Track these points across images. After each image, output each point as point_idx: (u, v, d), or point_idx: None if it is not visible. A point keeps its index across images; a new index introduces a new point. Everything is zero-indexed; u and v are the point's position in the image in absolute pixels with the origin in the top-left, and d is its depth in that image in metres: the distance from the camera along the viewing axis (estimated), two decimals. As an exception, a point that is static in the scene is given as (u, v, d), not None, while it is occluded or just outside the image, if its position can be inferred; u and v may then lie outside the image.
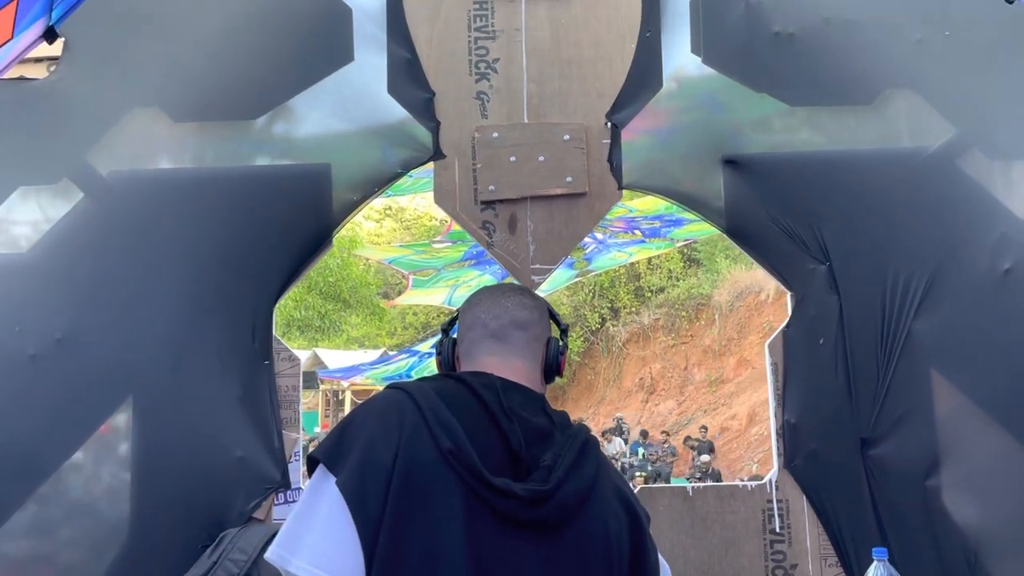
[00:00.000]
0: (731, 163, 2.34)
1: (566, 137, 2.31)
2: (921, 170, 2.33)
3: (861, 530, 2.22)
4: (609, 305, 25.20)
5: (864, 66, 2.36)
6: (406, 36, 2.34)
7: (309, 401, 24.22)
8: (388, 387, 1.32)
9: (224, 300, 2.24)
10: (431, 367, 20.22)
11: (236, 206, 2.28)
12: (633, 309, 24.96)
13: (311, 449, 1.29)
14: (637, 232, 11.36)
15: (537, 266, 2.29)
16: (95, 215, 2.26)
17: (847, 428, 2.26)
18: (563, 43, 2.36)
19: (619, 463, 13.89)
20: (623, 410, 22.81)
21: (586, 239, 13.28)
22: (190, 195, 2.27)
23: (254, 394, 2.21)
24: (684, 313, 23.20)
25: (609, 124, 2.34)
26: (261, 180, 2.32)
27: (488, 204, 2.31)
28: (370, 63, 2.36)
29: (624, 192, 2.37)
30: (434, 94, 2.33)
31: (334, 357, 22.49)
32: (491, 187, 2.30)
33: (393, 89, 2.33)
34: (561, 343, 1.53)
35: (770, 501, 2.27)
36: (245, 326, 2.23)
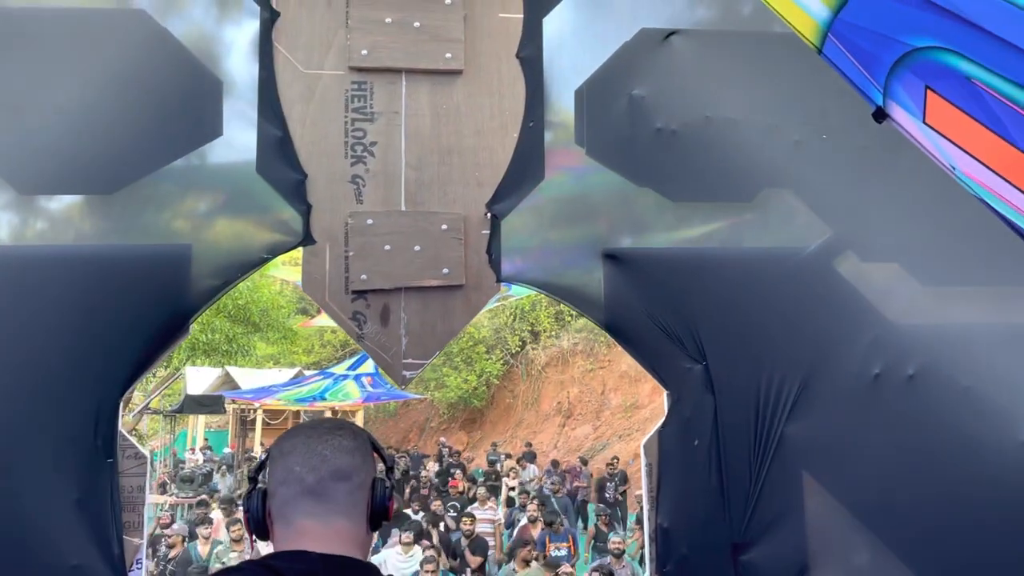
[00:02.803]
0: (611, 258, 2.31)
1: (444, 227, 2.23)
2: (797, 270, 2.34)
3: (731, 640, 2.19)
4: (530, 328, 25.27)
5: (744, 164, 2.35)
6: (278, 113, 2.23)
7: (219, 420, 23.51)
8: None
9: (64, 390, 2.07)
10: (345, 390, 19.92)
11: (82, 288, 2.12)
12: (553, 333, 25.09)
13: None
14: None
15: (409, 360, 2.20)
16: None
17: (719, 532, 2.23)
18: (444, 129, 2.29)
19: (534, 489, 13.86)
20: (540, 434, 22.84)
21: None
22: (31, 275, 2.10)
23: (93, 495, 2.05)
24: (602, 338, 23.38)
25: (489, 215, 2.27)
26: (112, 261, 2.16)
27: (359, 294, 2.21)
28: (239, 140, 2.24)
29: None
30: (306, 176, 2.23)
31: (246, 376, 21.89)
32: (363, 276, 2.20)
33: (262, 168, 2.22)
34: (388, 484, 1.41)
35: (640, 606, 2.22)
36: (87, 419, 2.07)
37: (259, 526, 1.36)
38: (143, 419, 19.02)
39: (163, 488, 16.09)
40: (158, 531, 9.18)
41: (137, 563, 2.09)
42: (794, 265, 2.34)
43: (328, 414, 23.78)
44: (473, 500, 11.33)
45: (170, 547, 8.53)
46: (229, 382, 21.90)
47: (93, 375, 2.10)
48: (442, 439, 23.18)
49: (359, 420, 25.02)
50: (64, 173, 2.18)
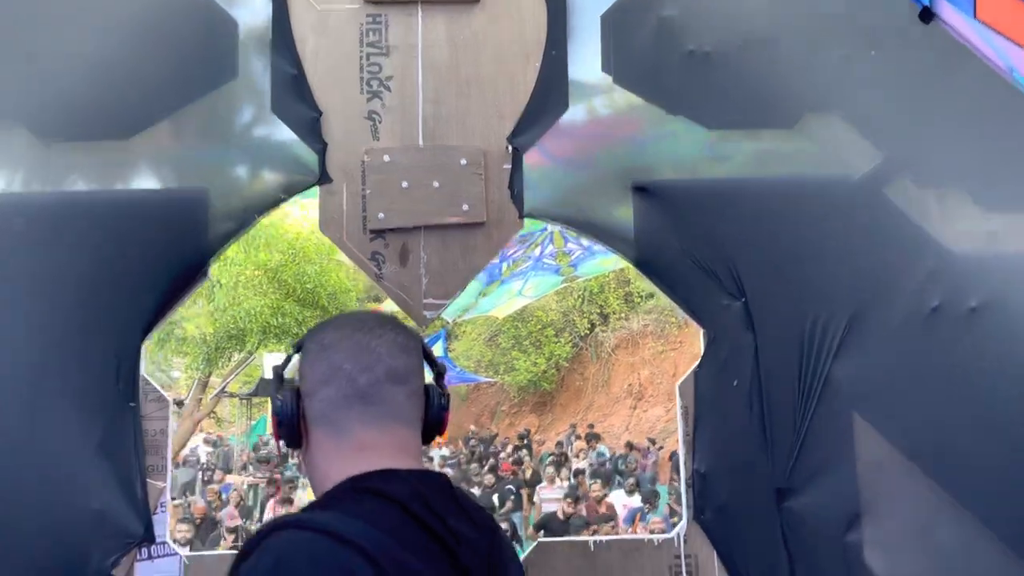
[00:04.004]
0: (641, 191, 2.18)
1: (463, 162, 2.14)
2: (845, 199, 2.17)
3: (774, 590, 2.06)
4: (599, 311, 25.04)
5: (785, 87, 2.19)
6: (292, 50, 2.17)
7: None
8: (325, 537, 0.96)
9: (85, 337, 2.06)
10: (416, 372, 20.13)
11: (101, 235, 2.10)
12: (623, 315, 24.81)
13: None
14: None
15: (430, 300, 2.12)
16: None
17: (761, 478, 2.09)
18: (462, 61, 2.19)
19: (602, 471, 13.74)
20: (611, 417, 22.63)
21: (571, 244, 13.16)
22: (48, 223, 2.09)
23: (116, 440, 2.04)
24: (673, 319, 23.02)
25: (510, 148, 2.17)
26: (129, 206, 2.15)
27: (377, 233, 2.14)
28: (255, 80, 2.19)
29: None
30: (321, 113, 2.16)
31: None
32: (380, 215, 2.13)
33: (277, 107, 2.16)
34: (443, 394, 1.23)
35: (678, 557, 2.10)
36: (108, 365, 2.06)
37: (292, 432, 1.16)
38: (222, 403, 19.53)
39: (244, 469, 16.55)
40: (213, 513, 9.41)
41: (161, 507, 2.07)
42: (842, 194, 2.17)
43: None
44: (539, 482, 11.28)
45: (230, 531, 8.72)
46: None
47: (113, 320, 2.08)
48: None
49: (431, 404, 25.27)
50: (80, 119, 2.17)
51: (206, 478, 14.38)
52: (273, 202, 2.16)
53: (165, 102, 2.18)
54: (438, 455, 17.03)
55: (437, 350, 19.46)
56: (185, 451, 17.69)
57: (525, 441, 18.83)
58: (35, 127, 2.14)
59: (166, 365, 17.45)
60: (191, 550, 7.04)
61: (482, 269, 2.14)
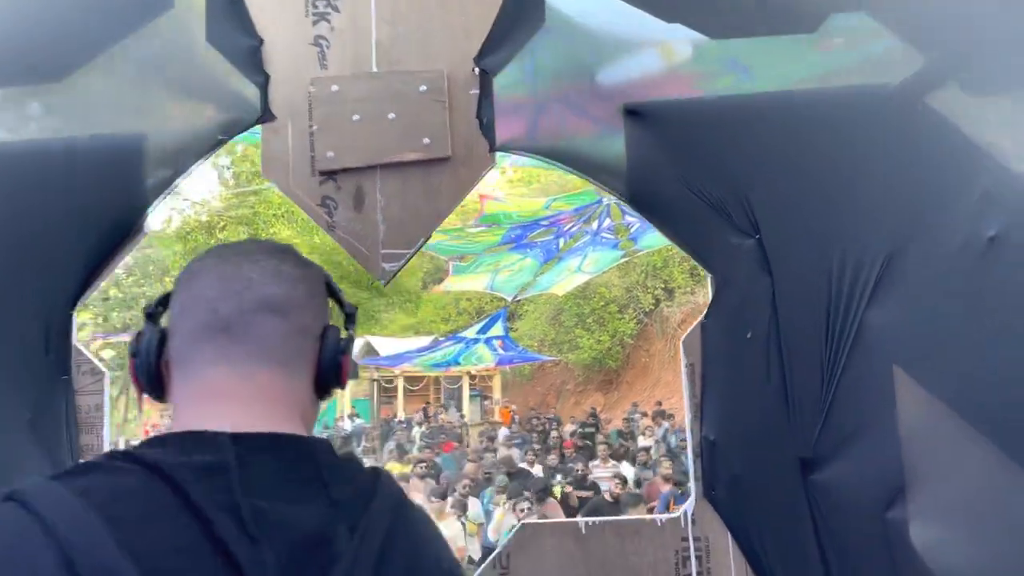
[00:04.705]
0: (634, 114, 1.86)
1: (422, 88, 1.85)
2: (880, 112, 1.81)
3: (799, 577, 1.73)
4: (663, 285, 24.48)
5: (802, -18, 1.84)
6: (229, -28, 1.92)
7: (357, 389, 24.24)
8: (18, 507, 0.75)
9: (10, 301, 1.85)
10: (478, 353, 19.99)
11: (23, 188, 1.89)
12: (688, 289, 24.20)
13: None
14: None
15: (389, 251, 1.85)
16: None
17: (782, 446, 1.76)
18: (420, -29, 1.90)
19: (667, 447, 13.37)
20: (678, 393, 22.12)
21: (629, 217, 12.74)
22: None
23: (47, 415, 1.82)
24: (741, 292, 22.32)
25: (477, 70, 1.87)
26: (56, 155, 1.92)
27: (328, 175, 1.87)
28: (193, 8, 1.94)
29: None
30: (262, 41, 1.90)
31: (386, 345, 22.43)
32: (329, 153, 1.86)
33: (213, 36, 1.91)
34: (344, 336, 1.00)
35: (685, 539, 1.79)
36: (37, 333, 1.85)
37: (151, 380, 0.94)
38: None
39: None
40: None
41: (98, 490, 1.85)
42: (875, 106, 1.81)
43: (465, 379, 24.07)
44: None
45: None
46: (371, 352, 22.49)
47: (40, 283, 1.87)
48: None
49: (496, 384, 25.16)
50: (7, 61, 1.95)
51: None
52: (212, 145, 1.91)
53: (97, 37, 1.95)
54: (502, 434, 16.88)
55: (498, 329, 19.29)
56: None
57: (592, 419, 18.57)
58: (-45, 73, 1.93)
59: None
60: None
61: (448, 213, 1.85)
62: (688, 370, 1.83)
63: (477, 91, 1.86)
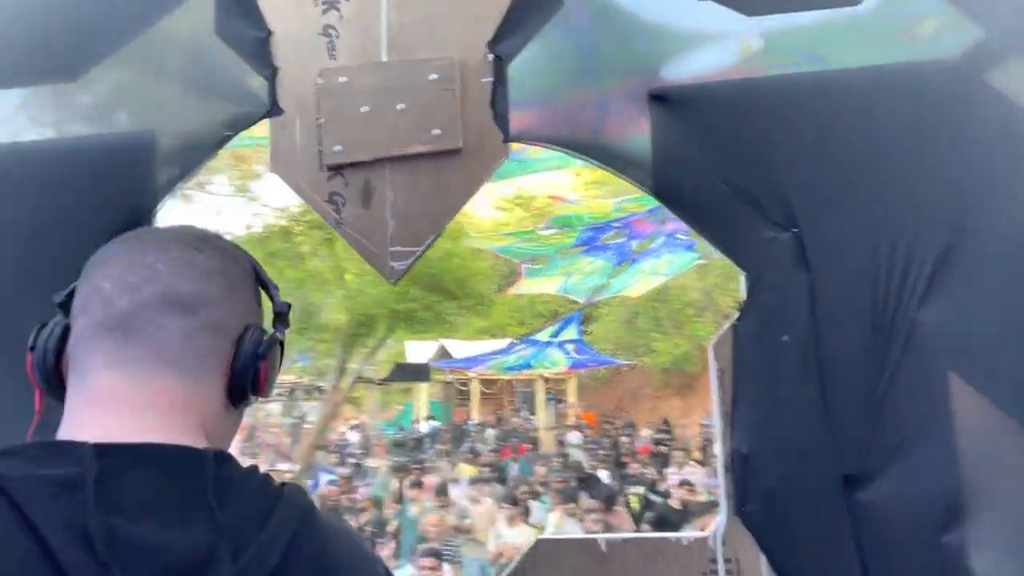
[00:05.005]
0: (660, 99, 1.72)
1: (432, 76, 1.75)
2: (932, 91, 1.63)
3: (841, 607, 1.56)
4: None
5: (845, -51, 1.67)
6: (237, -37, 1.86)
7: (433, 392, 24.41)
8: None
9: (20, 306, 1.82)
10: (552, 357, 19.85)
11: (38, 191, 1.87)
12: (769, 291, 23.52)
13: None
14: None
15: (398, 248, 1.76)
16: None
17: (824, 460, 1.59)
18: (430, -45, 1.81)
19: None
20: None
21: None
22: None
23: (53, 431, 1.78)
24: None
25: (491, 57, 1.77)
26: (70, 156, 1.90)
27: (335, 170, 1.79)
28: (203, 1, 1.89)
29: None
30: (271, 33, 1.83)
31: (459, 348, 22.55)
32: (337, 147, 1.78)
33: (222, 29, 1.85)
34: (267, 337, 0.90)
35: (714, 561, 1.64)
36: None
37: (49, 380, 0.90)
38: (359, 388, 19.97)
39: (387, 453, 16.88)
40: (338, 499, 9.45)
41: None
42: (927, 84, 1.63)
43: (540, 382, 23.95)
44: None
45: (361, 510, 8.70)
46: (445, 355, 22.65)
47: (51, 286, 1.83)
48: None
49: (571, 388, 24.96)
50: (22, 61, 1.94)
51: (348, 462, 14.70)
52: (218, 141, 1.85)
53: (113, 35, 1.92)
54: (573, 438, 16.74)
55: (571, 333, 19.13)
56: (334, 436, 18.31)
57: (664, 426, 18.26)
58: (-25, 75, 1.93)
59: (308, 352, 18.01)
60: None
61: (458, 209, 1.74)
62: (718, 376, 1.68)
63: (491, 79, 1.75)
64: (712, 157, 1.69)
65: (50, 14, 1.96)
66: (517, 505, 7.33)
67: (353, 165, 1.78)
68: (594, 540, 1.70)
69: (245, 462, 0.80)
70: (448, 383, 24.38)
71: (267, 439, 18.76)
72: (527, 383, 24.81)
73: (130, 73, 1.93)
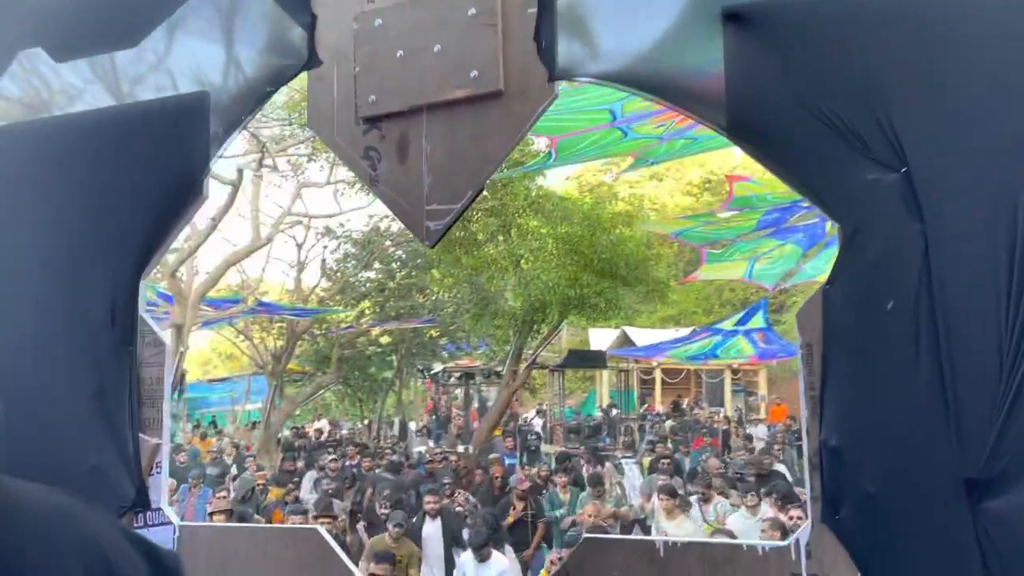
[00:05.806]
0: (736, 19, 1.42)
1: (471, 11, 1.56)
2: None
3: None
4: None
5: None
6: (277, -89, 1.74)
7: (616, 380, 24.14)
8: None
9: (81, 272, 1.82)
10: (737, 346, 18.98)
11: (91, 159, 1.86)
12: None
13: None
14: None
15: (434, 207, 1.57)
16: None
17: (938, 460, 1.25)
18: None
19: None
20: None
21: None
22: (40, 151, 1.88)
23: (111, 389, 1.77)
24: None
25: (537, -17, 1.54)
26: (128, 120, 1.87)
27: (372, 123, 1.64)
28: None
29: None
30: (310, -22, 1.71)
31: (641, 335, 22.16)
32: (372, 97, 1.62)
33: (263, -19, 1.75)
34: None
35: (797, 574, 1.34)
36: (104, 303, 1.80)
37: None
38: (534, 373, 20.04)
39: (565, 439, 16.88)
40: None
41: (157, 468, 1.77)
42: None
43: (727, 372, 23.03)
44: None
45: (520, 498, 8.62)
46: (627, 342, 22.32)
47: (108, 256, 1.82)
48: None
49: (761, 380, 23.81)
50: (88, 31, 1.94)
51: (533, 447, 14.77)
52: (260, 97, 1.75)
53: (162, 1, 1.88)
54: (760, 432, 15.94)
55: (758, 321, 18.21)
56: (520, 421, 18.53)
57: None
58: (48, 46, 1.95)
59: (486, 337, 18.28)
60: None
61: (500, 159, 1.54)
62: (804, 352, 1.36)
63: (535, 9, 1.53)
64: (798, 85, 1.37)
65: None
66: (675, 497, 6.98)
67: (389, 116, 1.62)
68: (652, 543, 1.44)
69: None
70: (622, 372, 23.93)
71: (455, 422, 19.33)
72: (714, 374, 23.93)
73: (181, 36, 1.88)
